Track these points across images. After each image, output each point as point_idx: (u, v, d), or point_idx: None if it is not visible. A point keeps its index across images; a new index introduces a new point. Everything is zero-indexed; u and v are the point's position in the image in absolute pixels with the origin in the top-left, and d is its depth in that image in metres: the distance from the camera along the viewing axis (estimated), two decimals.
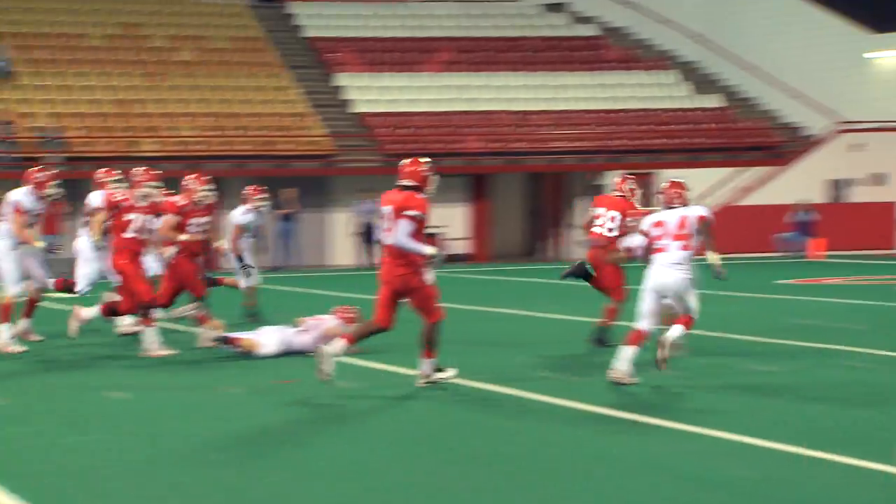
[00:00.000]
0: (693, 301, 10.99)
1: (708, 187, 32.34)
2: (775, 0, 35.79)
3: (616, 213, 13.18)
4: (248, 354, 12.81)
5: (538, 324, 16.29)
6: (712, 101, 34.96)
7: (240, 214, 15.99)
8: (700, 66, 36.91)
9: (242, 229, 15.89)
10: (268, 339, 12.93)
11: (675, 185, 11.30)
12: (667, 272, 10.94)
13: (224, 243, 15.40)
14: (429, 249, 10.55)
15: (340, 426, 9.42)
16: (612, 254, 12.98)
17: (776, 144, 33.58)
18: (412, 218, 10.49)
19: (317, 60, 34.87)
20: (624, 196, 13.31)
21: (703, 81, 36.14)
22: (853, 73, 34.14)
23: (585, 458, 8.24)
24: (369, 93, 33.63)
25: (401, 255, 10.55)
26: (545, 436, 8.97)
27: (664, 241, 10.99)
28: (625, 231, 12.96)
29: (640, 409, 9.89)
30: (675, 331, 10.88)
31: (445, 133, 32.55)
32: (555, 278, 17.45)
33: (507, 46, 36.28)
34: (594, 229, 13.22)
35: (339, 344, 10.54)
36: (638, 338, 10.86)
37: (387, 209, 10.64)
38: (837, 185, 32.72)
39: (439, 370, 10.89)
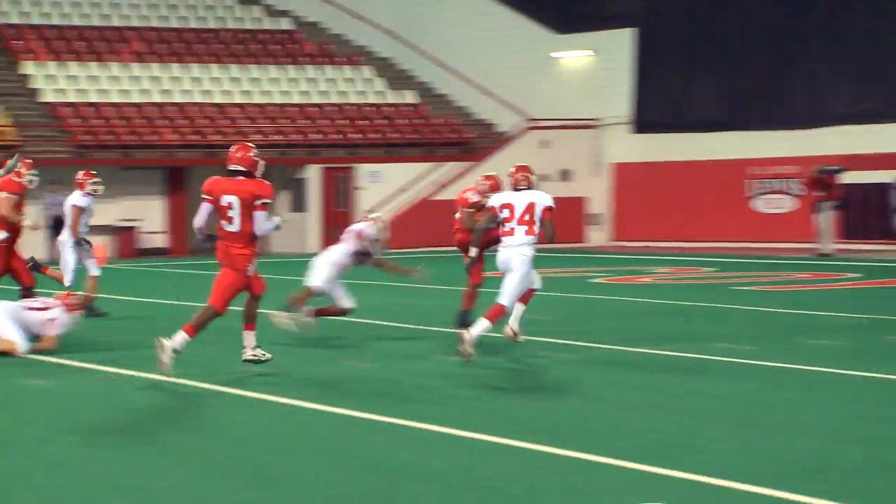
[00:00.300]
0: (521, 284, 11.97)
1: (406, 182, 32.76)
2: (467, 1, 36.52)
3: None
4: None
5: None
6: (407, 97, 35.40)
7: (77, 198, 15.91)
8: (394, 62, 37.34)
9: (80, 212, 15.82)
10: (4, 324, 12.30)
11: (521, 168, 12.18)
12: (514, 252, 11.90)
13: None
14: (278, 219, 11.20)
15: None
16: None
17: (470, 140, 34.29)
18: (266, 207, 10.83)
19: (1, 48, 33.41)
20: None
21: (397, 77, 36.55)
22: (541, 72, 35.22)
23: (290, 451, 8.15)
24: (57, 82, 32.46)
25: (241, 240, 10.80)
26: (247, 431, 8.82)
27: (511, 225, 11.91)
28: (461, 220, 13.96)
29: (341, 401, 9.86)
30: (518, 309, 12.26)
31: (139, 125, 31.78)
32: (268, 272, 17.25)
33: (202, 38, 35.74)
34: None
35: (181, 336, 10.68)
36: (498, 312, 11.87)
37: (231, 198, 10.76)
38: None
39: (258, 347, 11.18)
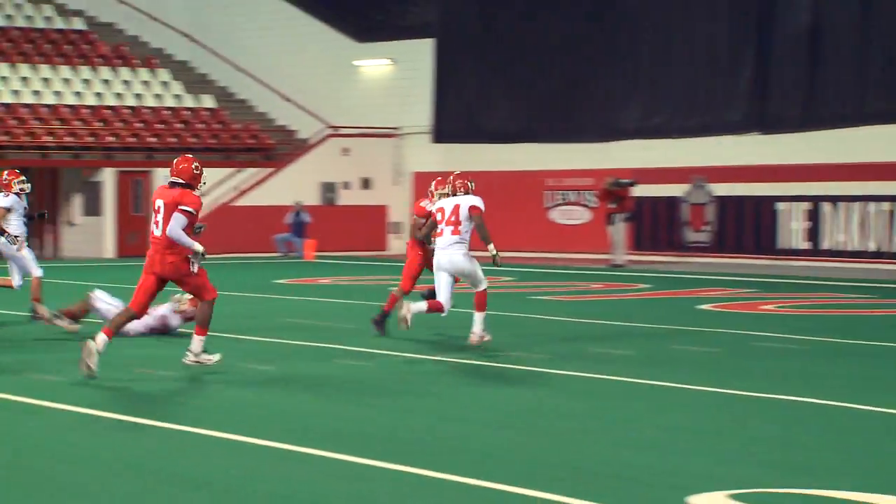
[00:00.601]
0: (478, 273, 13.04)
1: (206, 188, 32.27)
2: (266, 6, 36.25)
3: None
4: None
5: (21, 324, 15.57)
6: (205, 102, 34.96)
7: (1, 199, 15.52)
8: (192, 65, 36.83)
9: (6, 213, 15.41)
10: None
11: (461, 175, 13.38)
12: (443, 253, 12.98)
13: None
14: (198, 246, 11.11)
15: None
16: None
17: (270, 146, 34.04)
18: (186, 213, 11.07)
19: None
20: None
21: (195, 81, 36.06)
22: (342, 80, 35.21)
23: (75, 461, 7.92)
24: None
25: (171, 245, 11.11)
26: (32, 440, 8.56)
27: (441, 227, 13.00)
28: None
29: (127, 409, 9.66)
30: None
31: None
32: (56, 276, 16.83)
33: None
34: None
35: (101, 338, 10.91)
36: (435, 306, 13.06)
37: (159, 203, 11.19)
38: (329, 188, 33.64)
39: (205, 352, 11.46)
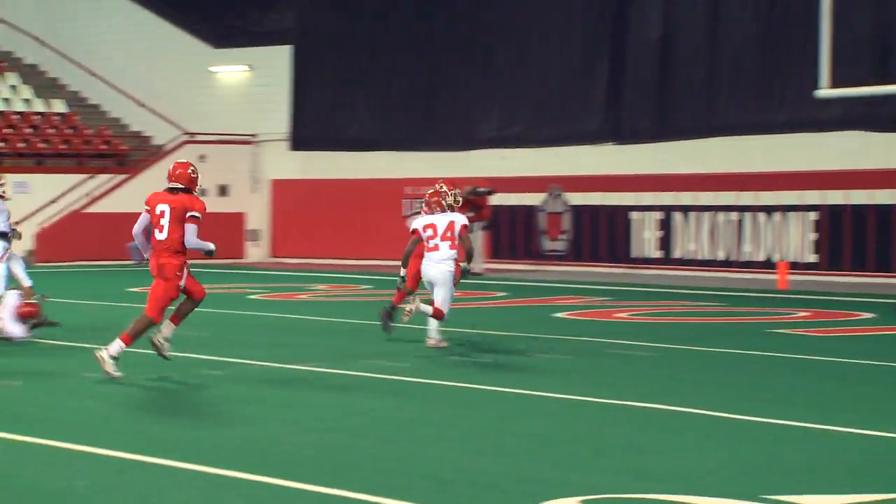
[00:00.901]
0: (448, 294, 13.87)
1: (57, 194, 31.66)
2: (120, 10, 35.69)
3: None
4: None
5: None
6: (56, 106, 34.28)
7: None
8: (42, 69, 36.09)
9: None
10: None
11: (436, 193, 14.20)
12: (436, 267, 13.83)
13: None
14: (211, 245, 11.72)
15: None
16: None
17: (124, 153, 33.52)
18: (196, 220, 11.56)
19: None
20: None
21: (45, 86, 35.34)
22: (199, 86, 34.83)
23: None
24: None
25: (173, 249, 11.57)
26: None
27: (435, 241, 13.84)
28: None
29: None
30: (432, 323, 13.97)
31: None
32: None
33: None
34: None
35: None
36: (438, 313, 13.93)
37: (163, 207, 11.62)
38: None
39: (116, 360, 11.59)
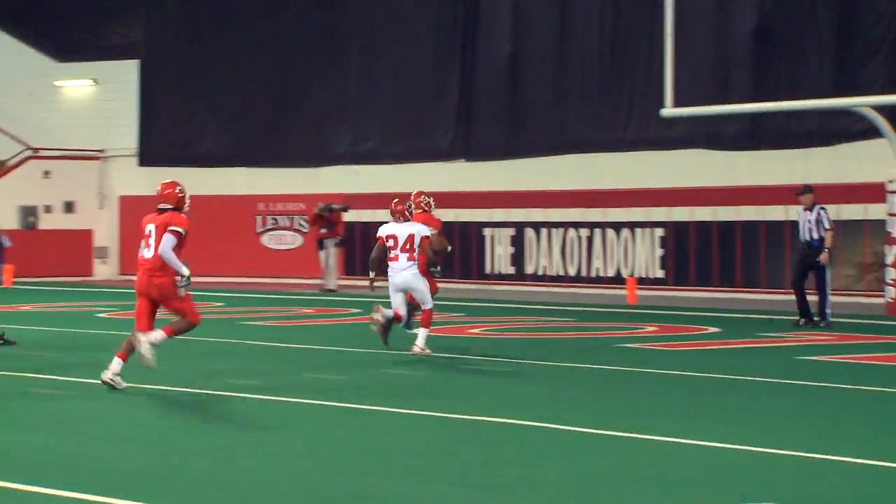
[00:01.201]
0: (425, 292, 14.79)
1: None
2: None
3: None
4: None
5: None
6: None
7: None
8: None
9: None
10: None
11: (400, 202, 14.89)
12: (399, 275, 14.75)
13: None
14: (186, 270, 11.81)
15: None
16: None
17: None
18: (176, 233, 11.83)
19: None
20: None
21: None
22: (43, 101, 34.15)
23: None
24: None
25: (160, 267, 11.82)
26: None
27: (395, 252, 14.71)
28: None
29: None
30: (421, 333, 14.85)
31: None
32: None
33: None
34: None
35: (159, 334, 11.77)
36: (397, 318, 15.03)
37: (150, 227, 11.97)
38: (30, 212, 32.54)
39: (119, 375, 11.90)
